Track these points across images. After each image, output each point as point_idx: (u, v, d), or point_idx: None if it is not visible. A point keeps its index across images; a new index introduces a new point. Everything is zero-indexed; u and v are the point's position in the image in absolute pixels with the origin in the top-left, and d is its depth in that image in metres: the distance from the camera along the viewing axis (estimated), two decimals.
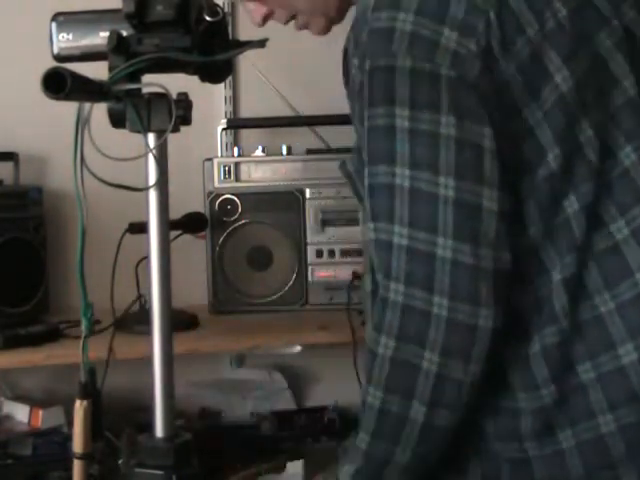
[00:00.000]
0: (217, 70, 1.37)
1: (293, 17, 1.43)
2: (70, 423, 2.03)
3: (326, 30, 1.43)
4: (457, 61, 1.14)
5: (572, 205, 1.18)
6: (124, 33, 1.29)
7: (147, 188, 1.32)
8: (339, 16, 1.41)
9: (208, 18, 1.29)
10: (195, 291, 2.29)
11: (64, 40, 1.36)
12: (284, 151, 2.36)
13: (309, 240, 2.32)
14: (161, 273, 1.33)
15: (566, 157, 1.17)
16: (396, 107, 1.15)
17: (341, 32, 1.42)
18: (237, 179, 2.32)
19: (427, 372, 1.12)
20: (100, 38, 1.32)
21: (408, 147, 1.14)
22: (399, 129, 1.14)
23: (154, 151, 1.30)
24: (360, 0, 1.25)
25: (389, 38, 1.15)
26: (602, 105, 1.21)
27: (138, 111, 1.29)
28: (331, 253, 2.32)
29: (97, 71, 1.27)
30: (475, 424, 1.22)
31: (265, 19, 1.43)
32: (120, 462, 1.41)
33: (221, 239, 2.30)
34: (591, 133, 1.18)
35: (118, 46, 1.27)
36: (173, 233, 1.85)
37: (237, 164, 2.33)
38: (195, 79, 1.36)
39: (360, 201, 1.29)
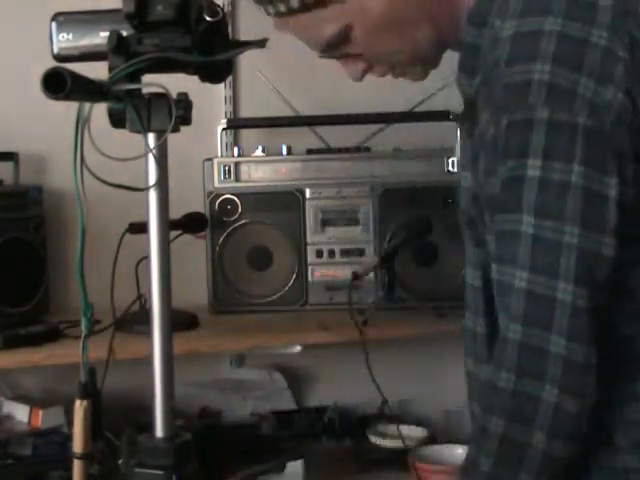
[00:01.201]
0: (217, 70, 1.37)
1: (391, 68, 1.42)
2: (70, 423, 2.04)
3: (425, 76, 1.42)
4: (594, 110, 1.15)
5: None
6: (124, 33, 1.29)
7: (147, 188, 1.32)
8: (436, 62, 1.40)
9: (208, 18, 1.29)
10: (195, 291, 2.29)
11: (64, 40, 1.36)
12: (284, 151, 2.36)
13: (309, 240, 2.32)
14: (161, 273, 1.33)
15: None
16: (529, 158, 1.16)
17: None
18: (237, 179, 2.33)
19: (547, 404, 1.17)
20: (100, 38, 1.32)
21: (535, 196, 1.16)
22: (528, 179, 1.16)
23: (154, 151, 1.30)
24: (487, 53, 1.24)
25: (526, 91, 1.16)
26: None
27: (138, 111, 1.29)
28: (331, 253, 2.32)
29: (97, 71, 1.27)
30: (603, 443, 1.24)
31: (364, 74, 1.41)
32: (120, 462, 1.41)
33: (221, 239, 2.31)
34: None
35: (118, 46, 1.27)
36: (173, 233, 1.85)
37: (237, 164, 2.33)
38: (195, 79, 1.36)
39: (477, 246, 1.32)
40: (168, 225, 1.35)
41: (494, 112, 1.20)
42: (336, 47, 1.35)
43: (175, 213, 1.66)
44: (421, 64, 1.40)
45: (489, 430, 1.21)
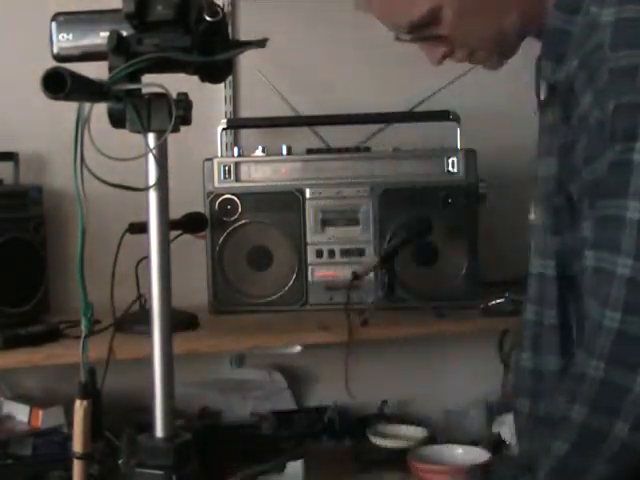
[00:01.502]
0: (217, 70, 1.37)
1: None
2: (70, 423, 2.04)
3: (500, 66, 1.42)
4: None
5: None
6: (124, 33, 1.29)
7: (147, 188, 1.32)
8: (514, 50, 1.40)
9: (208, 18, 1.28)
10: (195, 291, 2.29)
11: (64, 40, 1.36)
12: (284, 151, 2.36)
13: (309, 240, 2.32)
14: (161, 273, 1.33)
15: None
16: (637, 142, 1.16)
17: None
18: (237, 179, 2.33)
19: (637, 395, 1.15)
20: (100, 38, 1.32)
21: None
22: (636, 164, 1.16)
23: (154, 151, 1.30)
24: (581, 38, 1.25)
25: (633, 75, 1.16)
26: None
27: (138, 111, 1.29)
28: (331, 253, 2.32)
29: (97, 71, 1.27)
30: None
31: (443, 59, 1.41)
32: (120, 462, 1.41)
33: (221, 239, 2.31)
34: None
35: (118, 46, 1.27)
36: (173, 233, 1.86)
37: (237, 164, 2.33)
38: (195, 79, 1.36)
39: (556, 234, 1.31)
40: (168, 225, 1.34)
41: (598, 96, 1.20)
42: (423, 28, 1.35)
43: (175, 213, 1.66)
44: (499, 51, 1.40)
45: (570, 418, 1.19)
